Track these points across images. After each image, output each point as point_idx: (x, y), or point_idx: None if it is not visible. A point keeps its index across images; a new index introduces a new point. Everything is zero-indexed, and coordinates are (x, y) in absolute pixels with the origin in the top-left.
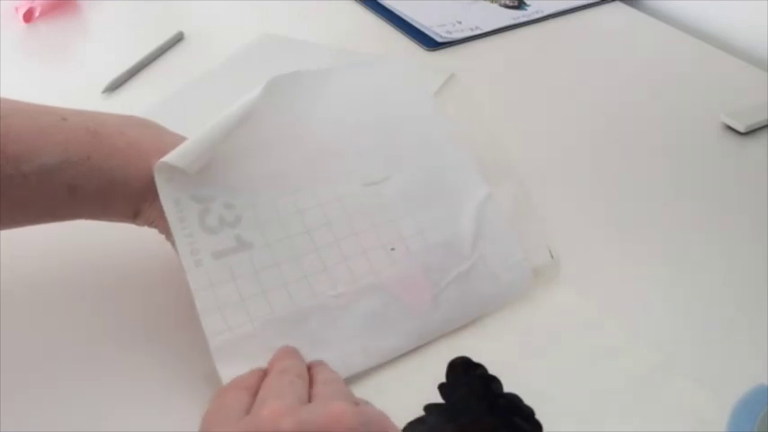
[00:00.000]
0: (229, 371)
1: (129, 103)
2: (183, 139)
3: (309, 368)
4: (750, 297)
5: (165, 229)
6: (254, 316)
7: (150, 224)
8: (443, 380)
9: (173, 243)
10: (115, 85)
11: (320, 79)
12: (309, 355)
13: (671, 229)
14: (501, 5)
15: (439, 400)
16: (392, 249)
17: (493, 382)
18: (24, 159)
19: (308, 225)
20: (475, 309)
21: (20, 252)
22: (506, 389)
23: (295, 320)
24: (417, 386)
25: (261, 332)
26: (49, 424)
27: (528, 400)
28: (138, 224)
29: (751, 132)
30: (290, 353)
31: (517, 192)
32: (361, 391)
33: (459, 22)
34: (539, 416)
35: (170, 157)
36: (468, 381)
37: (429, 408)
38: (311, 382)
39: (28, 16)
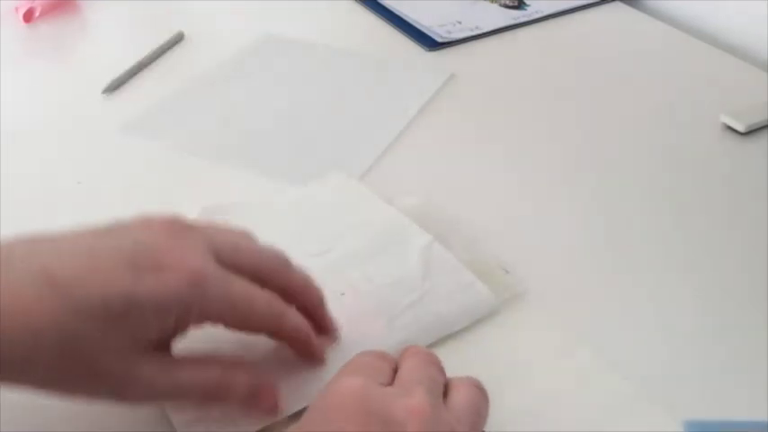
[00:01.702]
0: None
1: (130, 103)
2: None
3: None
4: (750, 296)
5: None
6: None
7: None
8: None
9: None
10: (115, 86)
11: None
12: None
13: (670, 228)
14: (501, 5)
15: None
16: (342, 294)
17: None
18: None
19: None
20: (436, 328)
21: None
22: None
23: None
24: None
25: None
26: (50, 424)
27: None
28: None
29: (751, 132)
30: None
31: (456, 236)
32: None
33: (460, 22)
34: None
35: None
36: None
37: None
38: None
39: (28, 16)
